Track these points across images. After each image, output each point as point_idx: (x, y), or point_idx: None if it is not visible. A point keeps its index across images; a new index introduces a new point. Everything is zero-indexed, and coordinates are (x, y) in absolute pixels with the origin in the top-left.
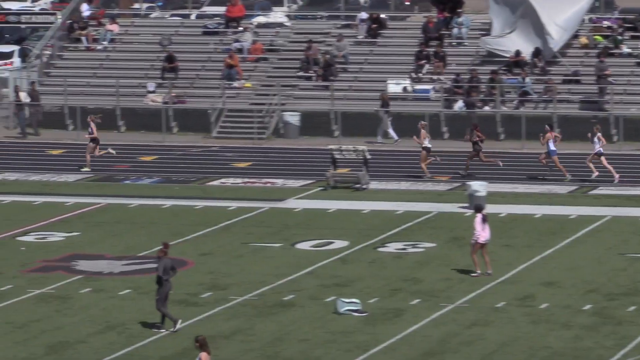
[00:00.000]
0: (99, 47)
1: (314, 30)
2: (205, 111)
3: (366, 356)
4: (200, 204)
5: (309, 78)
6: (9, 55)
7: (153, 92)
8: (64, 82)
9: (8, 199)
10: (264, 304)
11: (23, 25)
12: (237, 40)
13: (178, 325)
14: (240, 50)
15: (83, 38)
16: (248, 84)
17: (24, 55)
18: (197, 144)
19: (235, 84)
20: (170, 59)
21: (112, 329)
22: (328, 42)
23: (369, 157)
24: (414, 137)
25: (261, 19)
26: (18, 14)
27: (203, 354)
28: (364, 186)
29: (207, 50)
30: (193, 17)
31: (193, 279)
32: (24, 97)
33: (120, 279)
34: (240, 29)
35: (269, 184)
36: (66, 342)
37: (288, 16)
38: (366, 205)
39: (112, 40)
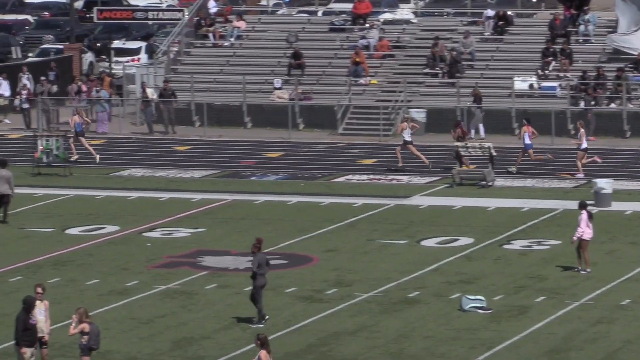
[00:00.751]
0: (226, 43)
1: (441, 27)
2: (331, 108)
3: (490, 353)
4: (325, 200)
5: (435, 75)
6: (136, 52)
7: (279, 88)
8: (190, 78)
9: (134, 195)
10: (388, 301)
11: (150, 22)
12: (363, 37)
13: (261, 323)
14: (366, 47)
15: (210, 35)
16: (374, 81)
17: (151, 51)
18: (323, 141)
19: (362, 80)
20: (296, 55)
21: (237, 324)
22: (454, 39)
23: (494, 154)
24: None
25: (388, 16)
26: (145, 10)
27: (262, 352)
28: (490, 183)
29: (334, 47)
30: (320, 13)
31: (318, 276)
32: (150, 93)
33: (246, 275)
34: (367, 25)
35: (394, 181)
36: (191, 338)
37: (415, 13)
38: (491, 202)
39: (239, 37)
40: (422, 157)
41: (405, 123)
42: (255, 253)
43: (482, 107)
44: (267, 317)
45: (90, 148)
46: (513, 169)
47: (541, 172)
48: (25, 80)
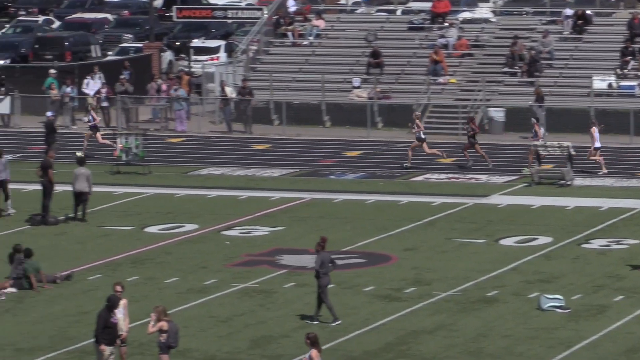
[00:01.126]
0: (305, 42)
1: (520, 26)
2: (410, 107)
3: (569, 353)
4: (404, 199)
5: (514, 74)
6: (215, 50)
7: (358, 87)
8: (269, 77)
9: (213, 193)
10: (467, 300)
11: (229, 21)
12: (442, 36)
13: (337, 322)
14: (445, 46)
15: (289, 33)
16: (453, 80)
17: (230, 50)
18: (402, 139)
19: (440, 79)
20: (375, 54)
21: (315, 323)
22: (533, 38)
23: (573, 153)
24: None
25: (467, 15)
26: (225, 9)
27: (313, 351)
28: (569, 182)
29: (413, 45)
30: (399, 12)
31: (397, 274)
32: (229, 92)
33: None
34: (446, 24)
35: (473, 180)
36: (270, 337)
37: (494, 12)
38: (570, 202)
39: (317, 36)
40: (428, 152)
41: (418, 121)
42: (319, 252)
43: (543, 106)
44: (321, 315)
45: (107, 141)
46: (527, 170)
47: (619, 171)
48: (97, 79)
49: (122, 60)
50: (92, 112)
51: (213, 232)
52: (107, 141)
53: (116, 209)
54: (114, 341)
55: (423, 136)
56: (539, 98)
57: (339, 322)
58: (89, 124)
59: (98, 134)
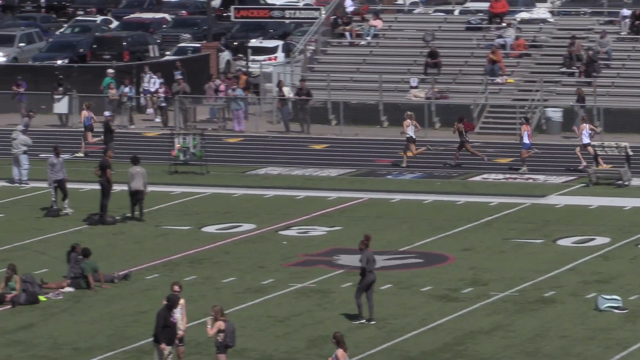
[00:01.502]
0: (363, 42)
1: (577, 27)
2: (467, 106)
3: (626, 353)
4: (461, 199)
5: (571, 74)
6: (273, 50)
7: (416, 87)
8: (327, 77)
9: (271, 193)
10: (524, 300)
11: (287, 21)
12: (500, 36)
13: (361, 321)
14: (503, 46)
15: (347, 33)
16: (510, 80)
17: (287, 50)
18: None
19: (498, 79)
20: (433, 54)
21: (372, 323)
22: (591, 39)
23: (631, 153)
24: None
25: (524, 15)
26: (282, 9)
27: (339, 351)
28: (626, 182)
29: (470, 45)
30: (456, 12)
31: (454, 275)
32: (287, 92)
33: (381, 274)
34: (504, 24)
35: (530, 180)
36: (327, 337)
37: (551, 12)
38: (628, 202)
39: (375, 36)
40: (415, 152)
41: (409, 120)
42: (363, 250)
43: (585, 107)
44: (363, 320)
45: (92, 140)
46: (524, 168)
47: None
48: (148, 79)
49: (177, 60)
50: (90, 112)
51: (270, 232)
52: (95, 140)
53: (174, 208)
54: (172, 340)
55: (413, 136)
56: (580, 99)
57: (363, 321)
58: (90, 121)
59: (89, 133)
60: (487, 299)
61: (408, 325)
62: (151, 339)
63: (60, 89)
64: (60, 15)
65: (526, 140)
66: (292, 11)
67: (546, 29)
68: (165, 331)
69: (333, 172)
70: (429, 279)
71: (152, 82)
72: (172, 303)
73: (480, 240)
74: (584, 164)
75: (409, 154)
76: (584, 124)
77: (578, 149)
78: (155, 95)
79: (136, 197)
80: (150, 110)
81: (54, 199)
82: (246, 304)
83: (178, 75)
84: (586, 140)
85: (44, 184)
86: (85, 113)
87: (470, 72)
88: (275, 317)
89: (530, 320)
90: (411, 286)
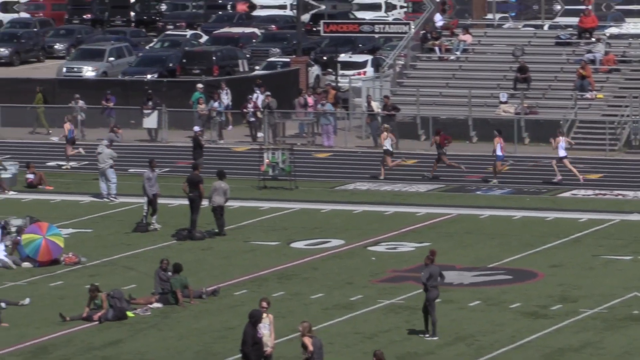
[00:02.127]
0: (452, 57)
1: None
2: (557, 122)
3: None
4: (551, 215)
5: None
6: (362, 65)
7: (505, 102)
8: (416, 92)
9: (359, 208)
10: (613, 317)
11: (376, 35)
12: (589, 51)
13: (428, 336)
14: (592, 61)
15: (436, 48)
16: (600, 95)
17: (377, 64)
18: (549, 155)
19: (588, 95)
20: (522, 69)
21: (461, 340)
22: None
23: None
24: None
25: (614, 30)
26: (372, 23)
27: None
28: None
29: (560, 60)
30: (546, 27)
31: (543, 291)
32: (376, 106)
33: (470, 290)
34: (593, 39)
35: (620, 196)
36: (415, 353)
37: None
38: None
39: (464, 51)
40: (391, 165)
41: (386, 133)
42: (427, 265)
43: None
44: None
45: (72, 153)
46: (495, 181)
47: None
48: (224, 95)
49: (271, 75)
50: (72, 125)
51: (359, 248)
52: (75, 152)
53: (262, 224)
54: (261, 356)
55: (391, 149)
56: None
57: (436, 338)
58: (72, 134)
59: (69, 146)
60: (576, 315)
61: (496, 343)
62: (239, 356)
63: (150, 103)
64: (150, 30)
65: (499, 153)
66: (382, 26)
67: (635, 44)
68: (254, 348)
69: (422, 188)
70: (517, 295)
71: (225, 97)
72: (255, 319)
73: (569, 256)
74: (559, 177)
75: (386, 164)
76: (560, 137)
77: (554, 161)
78: (246, 110)
79: (216, 212)
80: (230, 127)
81: (145, 213)
82: (334, 320)
83: (256, 91)
84: (562, 153)
85: (132, 199)
86: (67, 125)
87: (560, 87)
88: (363, 333)
89: (620, 338)
90: (500, 303)
